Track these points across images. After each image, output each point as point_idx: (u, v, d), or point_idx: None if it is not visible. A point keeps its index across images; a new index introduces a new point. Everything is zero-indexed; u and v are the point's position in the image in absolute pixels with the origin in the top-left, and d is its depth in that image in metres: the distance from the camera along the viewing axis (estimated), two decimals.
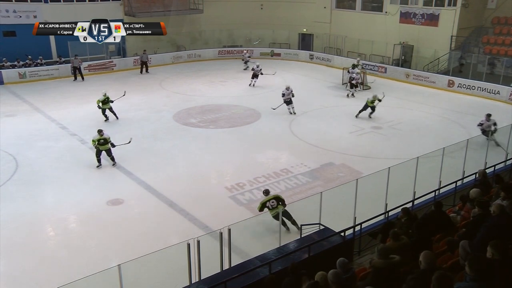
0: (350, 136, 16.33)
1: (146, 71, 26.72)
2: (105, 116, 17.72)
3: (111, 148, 13.45)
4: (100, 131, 13.36)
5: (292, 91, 18.74)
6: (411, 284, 4.46)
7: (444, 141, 14.11)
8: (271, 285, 5.77)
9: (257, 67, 23.59)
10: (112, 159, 13.64)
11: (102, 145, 13.33)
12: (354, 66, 22.54)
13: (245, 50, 28.89)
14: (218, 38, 31.14)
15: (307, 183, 12.59)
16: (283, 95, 18.78)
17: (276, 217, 9.40)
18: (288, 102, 18.75)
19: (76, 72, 24.45)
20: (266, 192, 10.02)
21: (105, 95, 17.47)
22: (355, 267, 6.60)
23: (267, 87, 23.48)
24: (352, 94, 21.70)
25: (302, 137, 16.21)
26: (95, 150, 13.46)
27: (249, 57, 27.98)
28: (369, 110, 18.01)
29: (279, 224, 8.68)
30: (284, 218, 9.48)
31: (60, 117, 18.36)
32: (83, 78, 24.71)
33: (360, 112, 18.10)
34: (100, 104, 17.46)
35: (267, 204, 9.64)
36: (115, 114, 17.90)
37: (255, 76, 23.52)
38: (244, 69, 27.22)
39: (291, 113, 18.73)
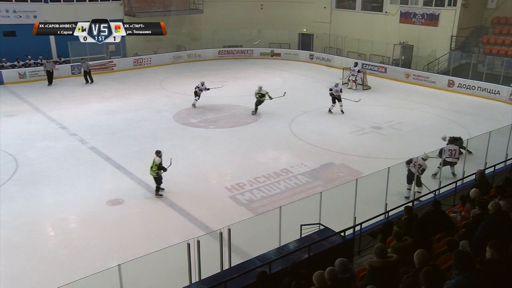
0: (350, 136, 16.34)
1: (91, 81, 24.18)
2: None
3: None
4: (157, 152, 11.73)
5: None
6: (407, 283, 4.51)
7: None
8: (263, 280, 5.78)
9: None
10: (156, 188, 11.85)
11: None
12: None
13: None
14: (218, 38, 31.15)
15: (307, 183, 12.59)
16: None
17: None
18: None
19: (87, 76, 24.11)
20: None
21: None
22: (355, 267, 6.60)
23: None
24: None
25: (302, 137, 16.21)
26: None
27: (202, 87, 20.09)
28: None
29: (279, 224, 8.67)
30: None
31: (60, 117, 18.37)
32: (89, 80, 24.29)
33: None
34: None
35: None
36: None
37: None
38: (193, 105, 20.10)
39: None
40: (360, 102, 19.54)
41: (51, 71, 23.57)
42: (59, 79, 24.65)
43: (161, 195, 11.81)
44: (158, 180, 11.71)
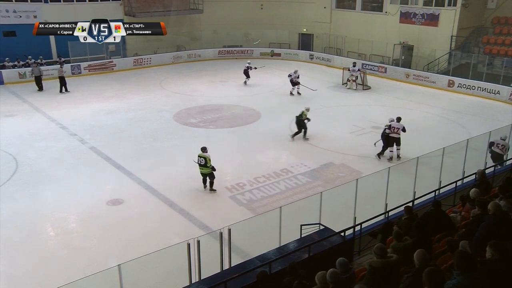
0: (350, 136, 16.33)
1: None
2: None
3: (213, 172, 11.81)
4: (204, 149, 11.88)
5: None
6: (407, 283, 4.52)
7: (444, 141, 14.10)
8: (263, 280, 5.78)
9: (295, 73, 21.72)
10: (211, 184, 12.04)
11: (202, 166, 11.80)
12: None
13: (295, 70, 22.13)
14: (218, 38, 31.16)
15: (307, 183, 12.59)
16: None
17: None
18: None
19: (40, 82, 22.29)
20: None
21: None
22: (355, 267, 6.60)
23: (266, 87, 23.49)
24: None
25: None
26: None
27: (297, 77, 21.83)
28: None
29: (279, 224, 8.69)
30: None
31: (60, 117, 18.37)
32: (41, 88, 22.38)
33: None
34: None
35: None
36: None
37: (295, 83, 21.62)
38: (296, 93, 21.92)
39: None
40: (359, 102, 19.55)
41: (40, 75, 22.35)
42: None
43: (215, 190, 12.06)
44: (213, 174, 11.93)
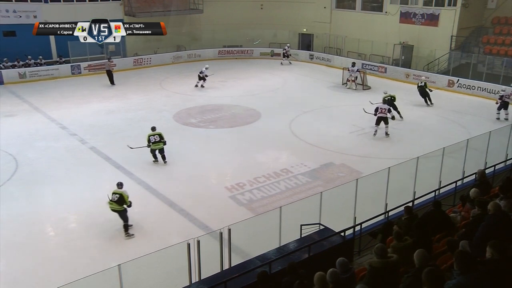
0: (350, 136, 16.33)
1: None
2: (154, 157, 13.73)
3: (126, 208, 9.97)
4: (120, 185, 10.24)
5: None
6: (407, 282, 4.52)
7: (444, 141, 14.11)
8: (264, 280, 5.79)
9: (206, 69, 23.19)
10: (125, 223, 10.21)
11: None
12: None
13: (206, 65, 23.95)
14: (218, 38, 31.16)
15: (307, 183, 12.59)
16: None
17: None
18: None
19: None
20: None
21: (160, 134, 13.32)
22: (355, 267, 6.60)
23: (266, 87, 23.49)
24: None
25: (302, 137, 16.21)
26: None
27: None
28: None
29: (279, 224, 8.69)
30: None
31: (60, 117, 18.37)
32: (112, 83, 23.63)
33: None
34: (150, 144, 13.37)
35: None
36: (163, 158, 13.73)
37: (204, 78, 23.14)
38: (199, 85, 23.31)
39: None
40: (359, 102, 19.52)
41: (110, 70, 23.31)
42: (59, 79, 24.67)
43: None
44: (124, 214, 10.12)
